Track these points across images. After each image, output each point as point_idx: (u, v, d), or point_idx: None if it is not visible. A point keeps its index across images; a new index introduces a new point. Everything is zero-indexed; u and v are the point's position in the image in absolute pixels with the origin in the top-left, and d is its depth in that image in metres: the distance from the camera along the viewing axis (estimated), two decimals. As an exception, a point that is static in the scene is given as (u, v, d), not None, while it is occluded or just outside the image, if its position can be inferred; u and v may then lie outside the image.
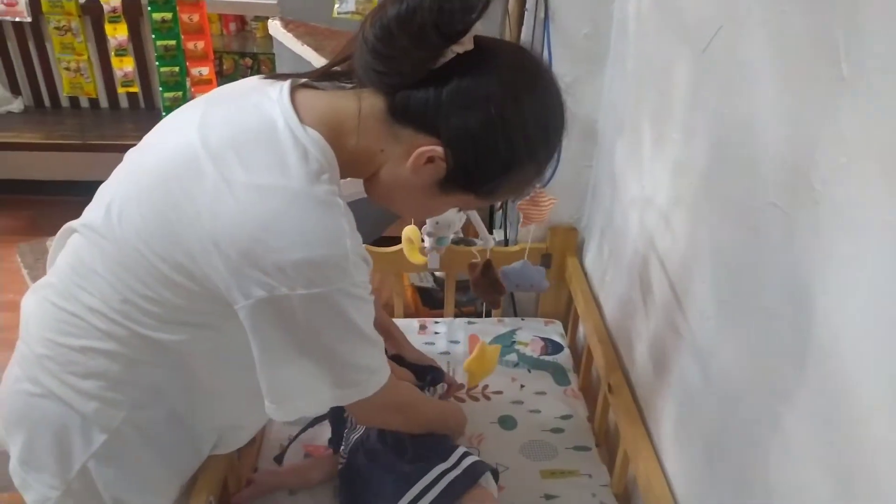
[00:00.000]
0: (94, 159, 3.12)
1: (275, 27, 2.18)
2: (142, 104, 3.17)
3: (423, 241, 1.40)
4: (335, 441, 1.17)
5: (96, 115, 3.17)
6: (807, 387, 0.67)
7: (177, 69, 1.79)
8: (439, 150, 0.76)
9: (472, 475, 1.02)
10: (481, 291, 1.08)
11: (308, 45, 1.99)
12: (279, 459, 1.18)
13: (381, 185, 0.82)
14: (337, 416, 1.19)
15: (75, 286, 0.81)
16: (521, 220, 1.24)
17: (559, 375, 1.40)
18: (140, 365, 0.83)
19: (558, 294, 1.55)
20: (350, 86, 0.83)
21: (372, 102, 0.78)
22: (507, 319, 1.56)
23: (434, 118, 0.75)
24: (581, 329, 1.50)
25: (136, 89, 2.23)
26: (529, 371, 1.40)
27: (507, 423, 1.28)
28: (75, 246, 0.84)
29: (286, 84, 0.80)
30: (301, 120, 0.76)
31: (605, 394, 1.22)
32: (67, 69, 2.16)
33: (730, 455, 0.83)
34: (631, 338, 1.21)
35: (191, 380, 0.86)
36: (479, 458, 1.06)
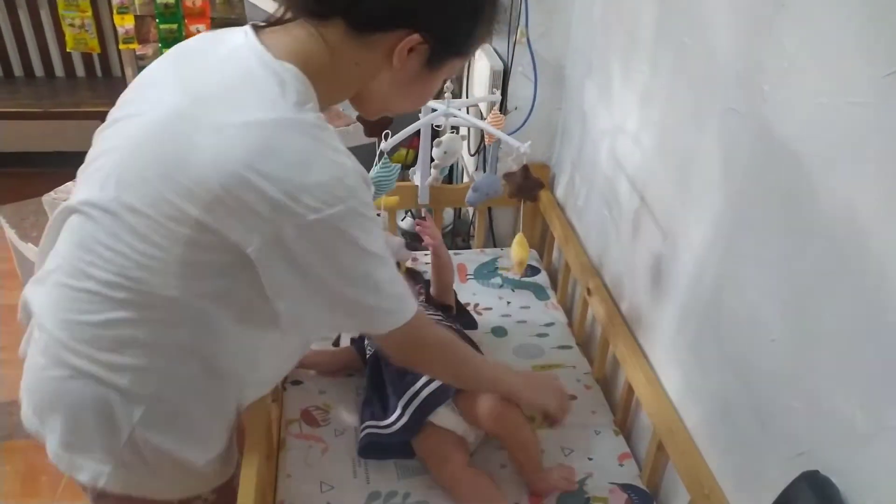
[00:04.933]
0: (52, 128, 3.13)
1: (248, -10, 2.27)
2: (98, 72, 3.17)
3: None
4: (358, 340, 1.33)
5: (52, 84, 3.15)
6: (762, 233, 0.88)
7: (175, 26, 1.87)
8: (415, 36, 0.81)
9: None
10: (525, 191, 1.26)
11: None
12: None
13: (372, 96, 0.88)
14: None
15: (86, 264, 0.82)
16: (487, 139, 1.45)
17: (539, 292, 1.60)
18: (163, 326, 0.83)
19: (533, 225, 1.74)
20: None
21: (330, 28, 0.81)
22: (487, 250, 1.74)
23: (397, 15, 0.80)
24: (555, 254, 1.70)
25: (136, 45, 2.28)
26: (513, 290, 1.59)
27: (498, 332, 1.47)
28: (77, 226, 0.84)
29: (247, 28, 0.83)
30: (274, 56, 0.79)
31: (584, 298, 1.42)
32: (72, 25, 2.20)
33: (696, 313, 1.04)
34: (604, 249, 1.42)
35: (216, 331, 0.86)
36: None
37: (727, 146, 0.95)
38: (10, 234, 2.13)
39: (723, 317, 0.96)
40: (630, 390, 1.22)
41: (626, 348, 1.22)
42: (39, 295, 0.89)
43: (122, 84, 3.03)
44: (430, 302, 1.37)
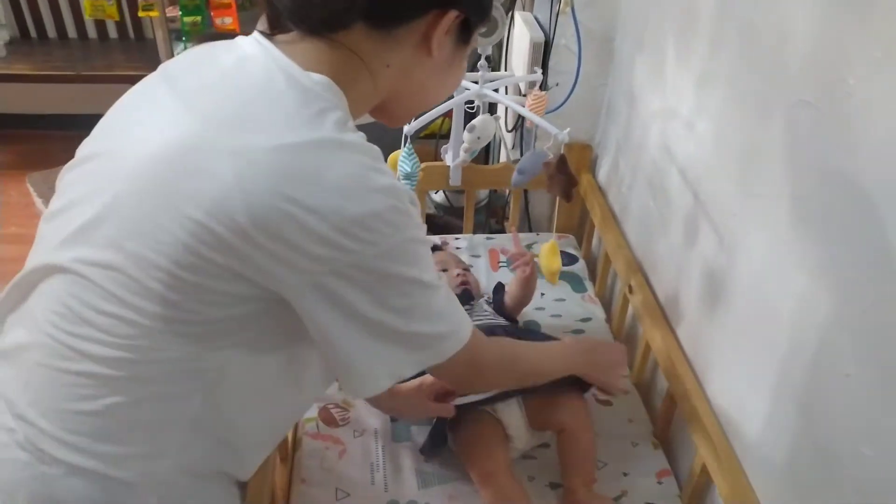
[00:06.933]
0: (87, 91, 3.10)
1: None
2: (131, 34, 3.12)
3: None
4: None
5: (84, 46, 3.11)
6: (836, 249, 0.76)
7: (199, 19, 1.77)
8: (452, 12, 0.72)
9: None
10: (558, 185, 1.13)
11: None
12: None
13: (406, 96, 0.79)
14: None
15: (80, 339, 0.68)
16: (528, 122, 1.33)
17: (576, 284, 1.49)
18: (172, 401, 0.71)
19: (571, 210, 1.63)
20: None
21: (351, 34, 0.71)
22: (522, 235, 1.64)
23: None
24: (595, 241, 1.59)
25: (156, 13, 2.24)
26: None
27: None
28: (62, 290, 0.69)
29: (257, 35, 0.72)
30: (301, 67, 0.69)
31: (625, 295, 1.32)
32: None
33: (755, 331, 0.93)
34: (649, 244, 1.30)
35: (227, 398, 0.74)
36: None
37: (797, 143, 0.83)
38: (39, 203, 2.11)
39: (787, 339, 0.84)
40: (672, 401, 1.12)
41: (669, 353, 1.12)
42: (6, 375, 0.73)
43: (153, 47, 3.01)
44: (499, 312, 1.27)
